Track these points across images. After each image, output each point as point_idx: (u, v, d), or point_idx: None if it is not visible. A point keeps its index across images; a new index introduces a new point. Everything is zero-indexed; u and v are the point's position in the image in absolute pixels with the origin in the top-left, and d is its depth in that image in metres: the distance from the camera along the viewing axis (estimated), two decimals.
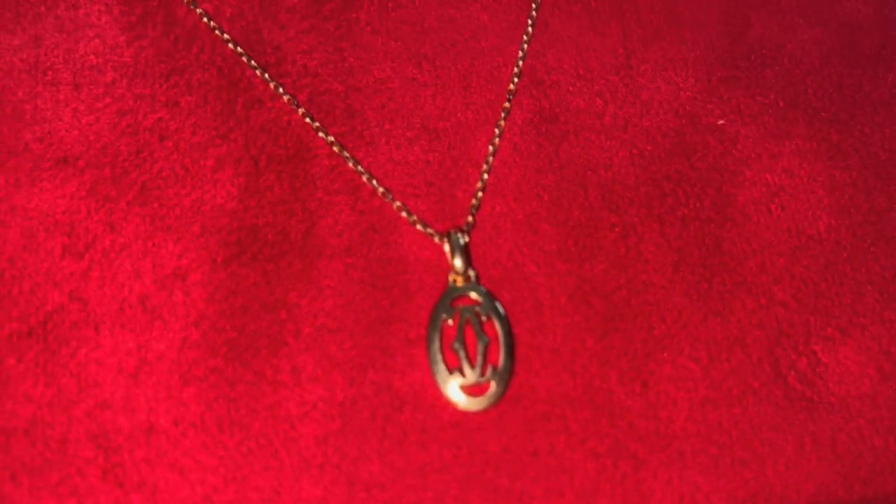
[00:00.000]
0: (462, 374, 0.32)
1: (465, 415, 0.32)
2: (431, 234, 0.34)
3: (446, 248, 0.34)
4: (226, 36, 0.37)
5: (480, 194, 0.35)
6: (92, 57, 0.36)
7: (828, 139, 0.37)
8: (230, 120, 0.36)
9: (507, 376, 0.32)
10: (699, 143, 0.37)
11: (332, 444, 0.31)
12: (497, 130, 0.36)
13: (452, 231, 0.34)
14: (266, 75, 0.36)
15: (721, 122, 0.37)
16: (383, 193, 0.35)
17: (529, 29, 0.38)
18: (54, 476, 0.30)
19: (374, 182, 0.35)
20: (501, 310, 0.33)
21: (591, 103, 0.37)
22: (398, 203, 0.35)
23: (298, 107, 0.36)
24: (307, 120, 0.36)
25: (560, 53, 0.38)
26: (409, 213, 0.35)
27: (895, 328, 0.34)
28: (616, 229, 0.35)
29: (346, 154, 0.35)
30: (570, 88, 0.37)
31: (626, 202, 0.35)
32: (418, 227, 0.34)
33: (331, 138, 0.35)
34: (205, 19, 0.37)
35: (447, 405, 0.32)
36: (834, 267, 0.35)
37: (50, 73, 0.36)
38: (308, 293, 0.33)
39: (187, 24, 0.37)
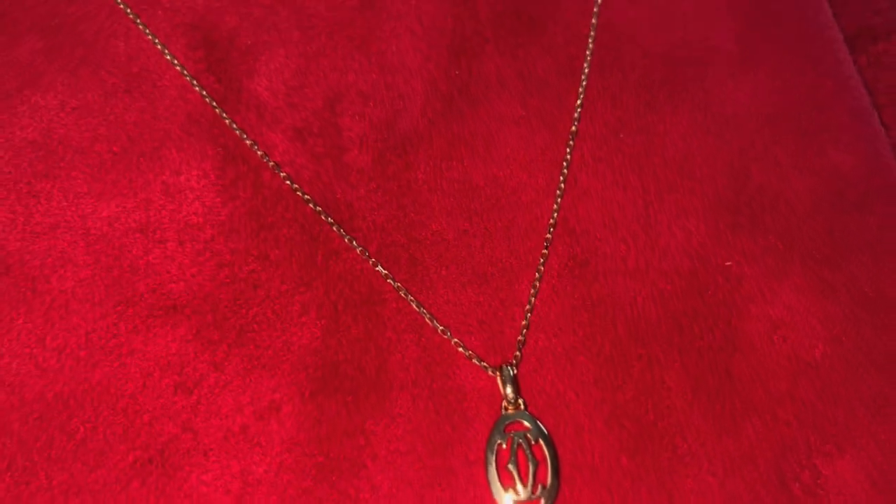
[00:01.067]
0: (516, 491, 0.38)
1: None
2: (485, 368, 0.40)
3: (498, 380, 0.40)
4: (306, 196, 0.43)
5: (525, 331, 0.41)
6: (193, 216, 0.43)
7: (821, 277, 0.43)
8: (312, 270, 0.42)
9: (554, 493, 0.38)
10: (710, 283, 0.43)
11: None
12: (537, 274, 0.42)
13: (504, 365, 0.40)
14: (341, 230, 0.43)
15: (729, 263, 0.43)
16: (442, 331, 0.41)
17: (562, 185, 0.45)
18: None
19: (435, 322, 0.41)
20: (548, 435, 0.39)
21: (616, 249, 0.43)
22: (455, 340, 0.41)
23: (369, 257, 0.42)
24: (377, 269, 0.42)
25: (588, 205, 0.44)
26: (465, 349, 0.41)
27: (885, 445, 0.40)
28: (642, 360, 0.41)
29: (410, 298, 0.42)
30: (598, 236, 0.44)
31: (650, 336, 0.42)
32: (474, 361, 0.40)
33: (397, 284, 0.42)
34: (287, 182, 0.44)
35: None
36: (830, 389, 0.41)
37: (158, 231, 0.42)
38: (382, 421, 0.39)
39: (273, 186, 0.44)
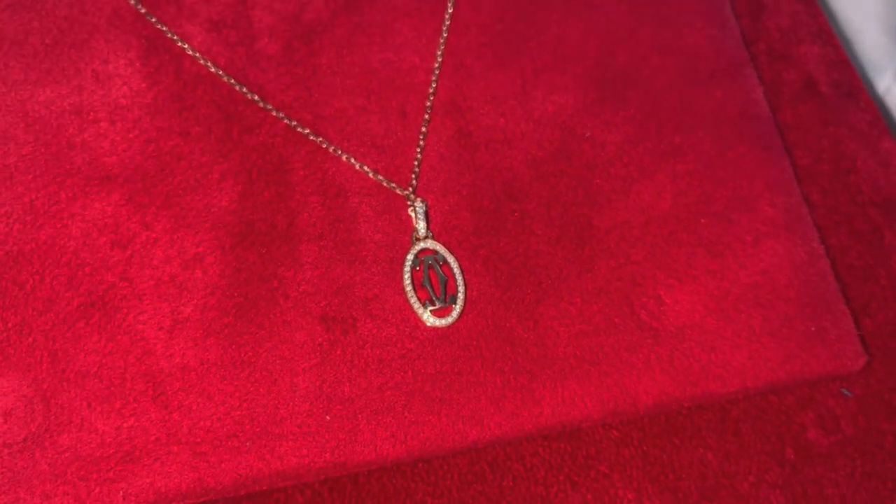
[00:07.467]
0: (432, 303, 0.45)
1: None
2: (408, 196, 0.47)
3: (413, 213, 0.47)
4: (222, 76, 0.49)
5: (415, 188, 0.48)
6: (122, 99, 0.48)
7: (672, 141, 0.50)
8: (228, 143, 0.48)
9: (463, 299, 0.45)
10: (576, 149, 0.50)
11: (316, 372, 0.44)
12: (423, 144, 0.49)
13: (419, 200, 0.47)
14: (260, 104, 0.49)
15: (588, 135, 0.50)
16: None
17: (439, 65, 0.51)
18: (118, 403, 0.43)
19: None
20: (453, 254, 0.46)
21: (495, 122, 0.50)
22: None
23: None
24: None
25: (472, 85, 0.51)
26: (374, 174, 0.47)
27: (716, 277, 0.47)
28: (515, 214, 0.48)
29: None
30: (481, 111, 0.50)
31: (523, 194, 0.48)
32: (397, 191, 0.47)
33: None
34: (206, 67, 0.49)
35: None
36: (674, 234, 0.48)
37: (91, 113, 0.48)
38: (292, 268, 0.46)
39: (192, 71, 0.49)
